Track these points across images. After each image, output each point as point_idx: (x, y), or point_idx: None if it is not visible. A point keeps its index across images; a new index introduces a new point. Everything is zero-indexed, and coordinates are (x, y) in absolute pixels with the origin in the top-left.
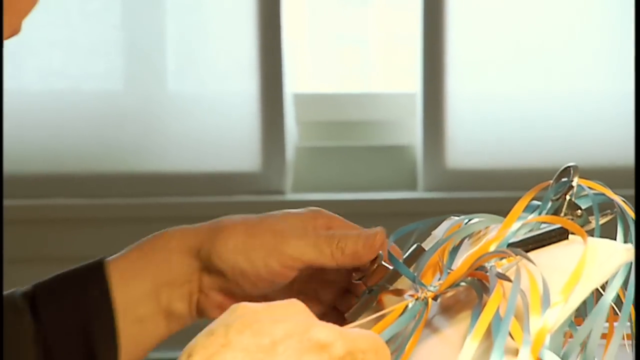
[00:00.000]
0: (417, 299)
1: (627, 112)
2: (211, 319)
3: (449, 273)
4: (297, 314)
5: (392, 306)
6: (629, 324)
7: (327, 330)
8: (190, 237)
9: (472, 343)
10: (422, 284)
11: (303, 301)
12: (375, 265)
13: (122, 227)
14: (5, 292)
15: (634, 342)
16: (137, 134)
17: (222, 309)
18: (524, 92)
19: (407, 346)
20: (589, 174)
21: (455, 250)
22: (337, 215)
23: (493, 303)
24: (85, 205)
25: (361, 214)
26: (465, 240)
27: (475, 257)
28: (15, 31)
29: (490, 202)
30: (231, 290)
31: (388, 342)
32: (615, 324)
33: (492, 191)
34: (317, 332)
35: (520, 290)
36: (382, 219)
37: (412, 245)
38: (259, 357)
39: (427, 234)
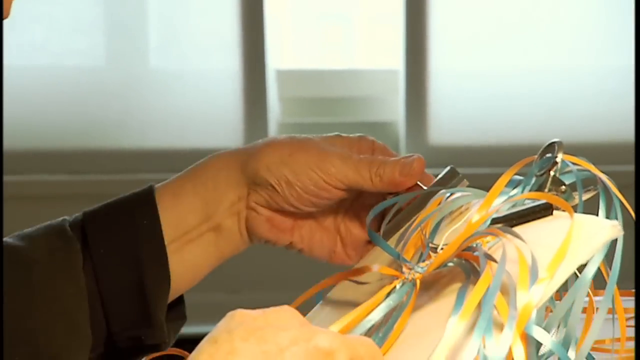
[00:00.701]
0: (404, 280)
1: (609, 88)
2: (261, 240)
3: (430, 248)
4: (292, 319)
5: (382, 283)
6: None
7: (330, 338)
8: (236, 154)
9: (460, 322)
10: (407, 261)
11: (344, 224)
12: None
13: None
14: (55, 221)
15: (613, 318)
16: (119, 111)
17: (272, 224)
18: (506, 69)
19: (395, 328)
20: (571, 149)
21: (436, 225)
22: (381, 143)
23: (483, 284)
24: (67, 182)
25: None
26: (453, 207)
27: (464, 238)
28: (6, 15)
29: (472, 178)
30: (279, 205)
31: (375, 322)
32: (596, 298)
33: (475, 167)
34: (320, 340)
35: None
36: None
37: (445, 169)
38: None
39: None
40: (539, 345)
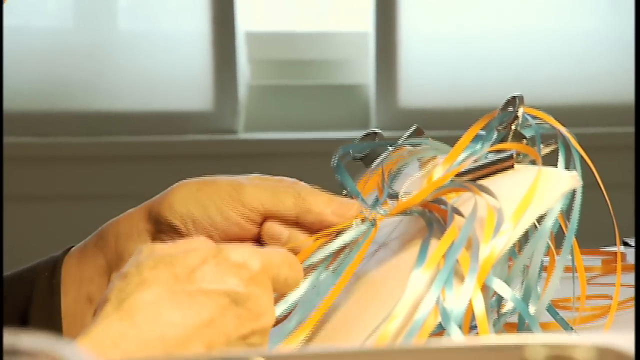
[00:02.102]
0: (364, 220)
1: (579, 50)
2: None
3: (389, 193)
4: (203, 243)
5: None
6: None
7: (240, 250)
8: (144, 204)
9: (423, 275)
10: (365, 202)
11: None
12: None
13: (71, 166)
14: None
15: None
16: (88, 72)
17: None
18: (476, 31)
19: (349, 267)
20: (542, 111)
21: (399, 171)
22: (302, 183)
23: (448, 237)
24: (35, 144)
25: (314, 152)
26: (415, 162)
27: (429, 191)
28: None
29: (443, 140)
30: None
31: (330, 259)
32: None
33: (445, 130)
34: (230, 253)
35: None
36: (334, 157)
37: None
38: (180, 287)
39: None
40: (501, 301)
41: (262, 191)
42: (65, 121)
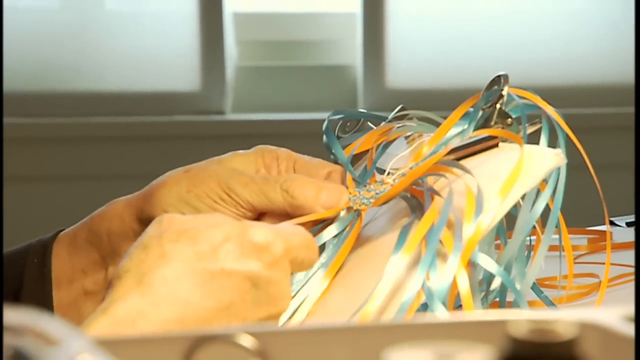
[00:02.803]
0: (349, 209)
1: (567, 32)
2: None
3: (375, 169)
4: (224, 218)
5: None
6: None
7: (264, 232)
8: (132, 201)
9: (402, 258)
10: (353, 173)
11: None
12: None
13: (58, 147)
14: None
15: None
16: (74, 53)
17: None
18: (464, 12)
19: (337, 256)
20: (531, 92)
21: (385, 146)
22: (286, 150)
23: (427, 219)
24: (21, 125)
25: (301, 133)
26: (402, 139)
27: (414, 178)
28: None
29: (430, 121)
30: None
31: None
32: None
33: (433, 111)
34: (254, 233)
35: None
36: (322, 139)
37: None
38: (201, 264)
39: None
40: (490, 280)
41: (250, 192)
42: (51, 102)
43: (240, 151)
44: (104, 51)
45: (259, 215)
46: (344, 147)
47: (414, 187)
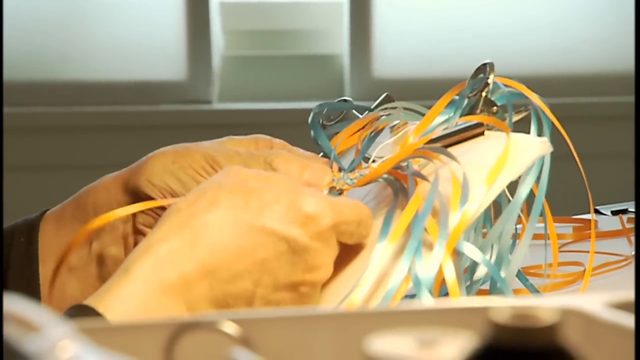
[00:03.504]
0: (332, 189)
1: (554, 21)
2: None
3: (362, 158)
4: (286, 181)
5: None
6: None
7: (315, 202)
8: (119, 174)
9: (388, 246)
10: (340, 163)
11: None
12: None
13: (44, 136)
14: None
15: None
16: (60, 42)
17: None
18: (452, 0)
19: None
20: (518, 82)
21: (373, 137)
22: (282, 141)
23: (413, 205)
24: (8, 114)
25: (288, 123)
26: (387, 128)
27: (398, 159)
28: None
29: (415, 111)
30: None
31: None
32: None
33: (420, 100)
34: (306, 203)
35: (438, 190)
36: (309, 128)
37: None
38: (245, 217)
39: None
40: (474, 267)
41: (233, 163)
42: (37, 91)
43: (236, 137)
44: (90, 41)
45: None
46: (331, 136)
47: (398, 171)
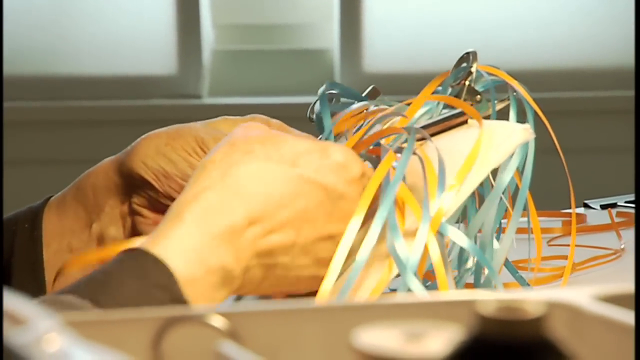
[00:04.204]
0: None
1: (543, 16)
2: None
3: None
4: (308, 137)
5: None
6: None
7: (345, 152)
8: (116, 157)
9: (357, 217)
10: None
11: None
12: None
13: (33, 131)
14: None
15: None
16: (50, 36)
17: None
18: None
19: None
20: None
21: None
22: (278, 121)
23: (380, 172)
24: None
25: (278, 117)
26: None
27: (376, 137)
28: None
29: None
30: (163, 203)
31: None
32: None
33: (410, 95)
34: (335, 152)
35: (420, 168)
36: (299, 123)
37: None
38: (282, 167)
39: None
40: (464, 260)
41: None
42: (27, 85)
43: (230, 117)
44: (80, 35)
45: None
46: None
47: (377, 147)
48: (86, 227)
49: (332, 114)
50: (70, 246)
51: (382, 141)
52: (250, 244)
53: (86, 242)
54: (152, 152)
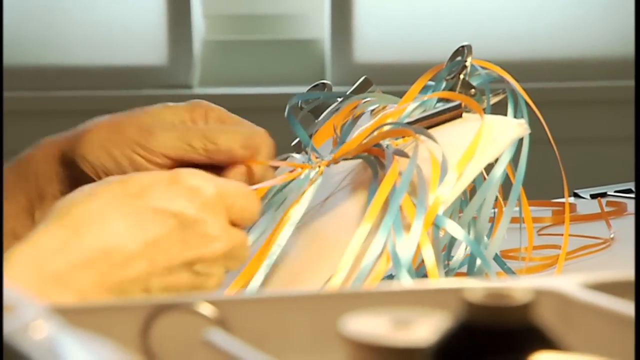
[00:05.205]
0: (311, 169)
1: (534, 6)
2: None
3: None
4: (160, 172)
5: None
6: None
7: (195, 175)
8: (56, 145)
9: (366, 222)
10: (316, 151)
11: None
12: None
13: (24, 121)
14: None
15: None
16: (40, 26)
17: None
18: None
19: (290, 204)
20: (498, 66)
21: (352, 123)
22: (219, 107)
23: (389, 180)
24: None
25: (269, 107)
26: (367, 114)
27: (370, 130)
28: None
29: (399, 95)
30: None
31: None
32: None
33: (401, 85)
34: (185, 177)
35: (417, 166)
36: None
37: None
38: (128, 202)
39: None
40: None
41: (171, 138)
42: (16, 76)
43: (171, 103)
44: (70, 24)
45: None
46: (316, 116)
47: (377, 148)
48: (28, 213)
49: (324, 105)
50: (15, 231)
51: (387, 144)
52: (97, 281)
53: (30, 228)
54: (95, 147)
